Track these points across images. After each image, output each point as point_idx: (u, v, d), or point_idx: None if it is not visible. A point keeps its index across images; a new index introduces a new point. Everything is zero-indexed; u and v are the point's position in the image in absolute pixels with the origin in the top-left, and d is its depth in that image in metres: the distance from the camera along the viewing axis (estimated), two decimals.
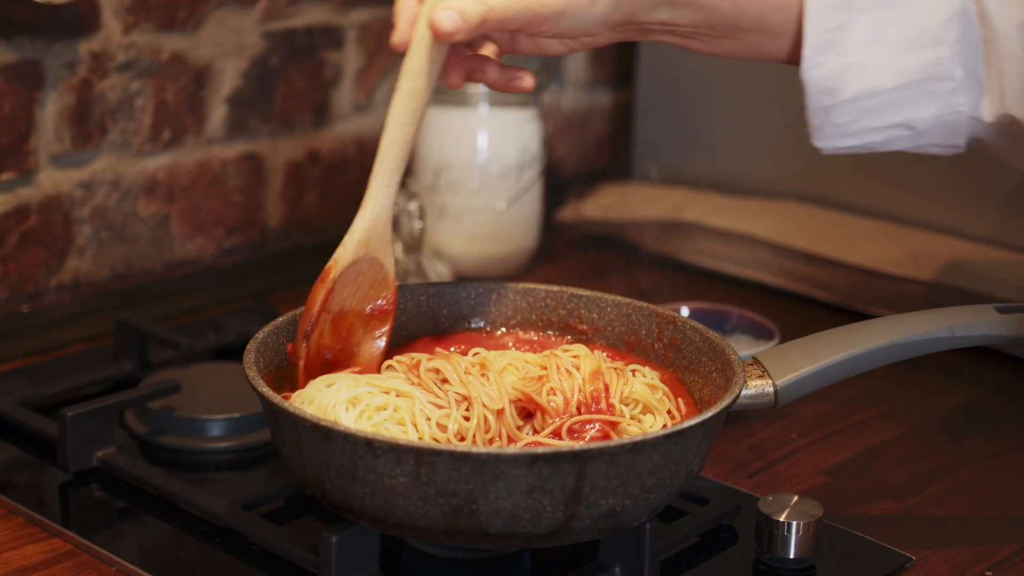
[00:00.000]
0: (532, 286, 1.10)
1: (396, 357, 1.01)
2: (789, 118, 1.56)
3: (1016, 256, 1.39)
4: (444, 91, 1.46)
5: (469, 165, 1.46)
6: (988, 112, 1.05)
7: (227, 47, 1.41)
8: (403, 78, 0.97)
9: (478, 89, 1.45)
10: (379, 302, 1.01)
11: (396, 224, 1.38)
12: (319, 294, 0.98)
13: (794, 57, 1.05)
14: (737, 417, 1.17)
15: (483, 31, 0.97)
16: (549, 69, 1.50)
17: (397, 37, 0.98)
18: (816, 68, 1.03)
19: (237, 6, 1.40)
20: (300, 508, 1.02)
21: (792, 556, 0.96)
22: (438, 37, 0.95)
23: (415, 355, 1.00)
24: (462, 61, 1.02)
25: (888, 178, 1.50)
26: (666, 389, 0.99)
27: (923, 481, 1.11)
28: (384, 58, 1.54)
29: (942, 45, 1.03)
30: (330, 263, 0.99)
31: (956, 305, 1.29)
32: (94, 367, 1.21)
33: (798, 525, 0.96)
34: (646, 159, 1.69)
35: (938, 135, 1.08)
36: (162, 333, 1.20)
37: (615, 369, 0.98)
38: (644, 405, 0.96)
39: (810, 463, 1.13)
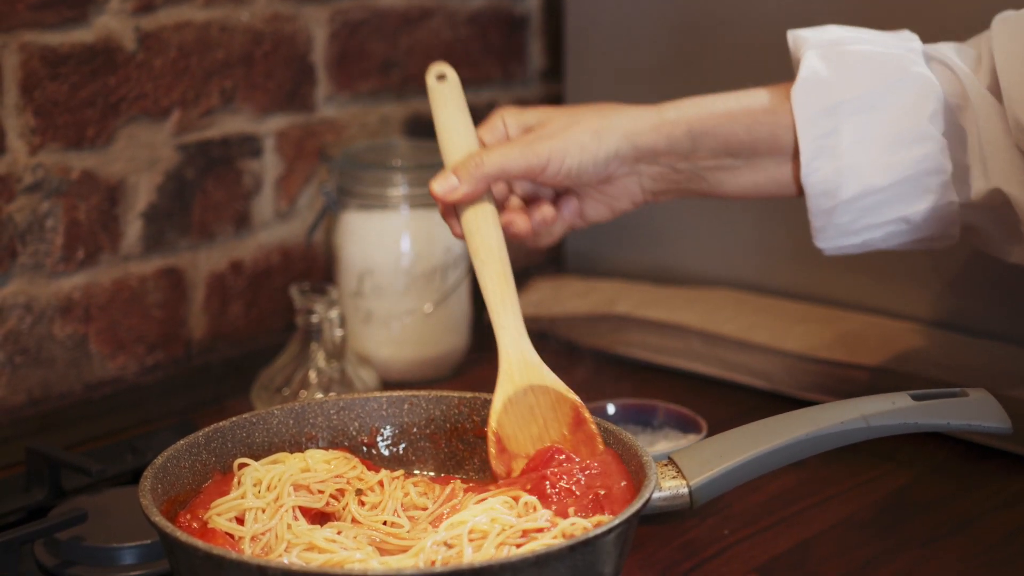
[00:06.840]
0: (445, 393, 1.07)
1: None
2: (718, 205, 1.55)
3: (947, 335, 1.37)
4: (364, 196, 1.45)
5: (393, 268, 1.44)
6: (975, 191, 1.07)
7: (140, 162, 1.39)
8: (480, 258, 1.08)
9: (398, 191, 1.44)
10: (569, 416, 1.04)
11: (319, 333, 1.36)
12: (499, 468, 1.01)
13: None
14: (667, 515, 1.14)
15: (485, 183, 1.06)
16: None
17: (456, 231, 1.09)
18: (814, 173, 1.07)
19: (149, 120, 1.39)
20: None
21: None
22: (441, 201, 1.06)
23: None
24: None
25: (818, 261, 1.48)
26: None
27: (857, 573, 1.07)
28: (305, 163, 1.53)
29: (929, 141, 1.07)
30: (488, 428, 1.03)
31: (894, 386, 1.28)
32: (6, 497, 1.17)
33: None
34: (577, 252, 1.67)
35: (934, 227, 1.11)
36: (73, 459, 1.17)
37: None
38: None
39: (742, 560, 1.10)
